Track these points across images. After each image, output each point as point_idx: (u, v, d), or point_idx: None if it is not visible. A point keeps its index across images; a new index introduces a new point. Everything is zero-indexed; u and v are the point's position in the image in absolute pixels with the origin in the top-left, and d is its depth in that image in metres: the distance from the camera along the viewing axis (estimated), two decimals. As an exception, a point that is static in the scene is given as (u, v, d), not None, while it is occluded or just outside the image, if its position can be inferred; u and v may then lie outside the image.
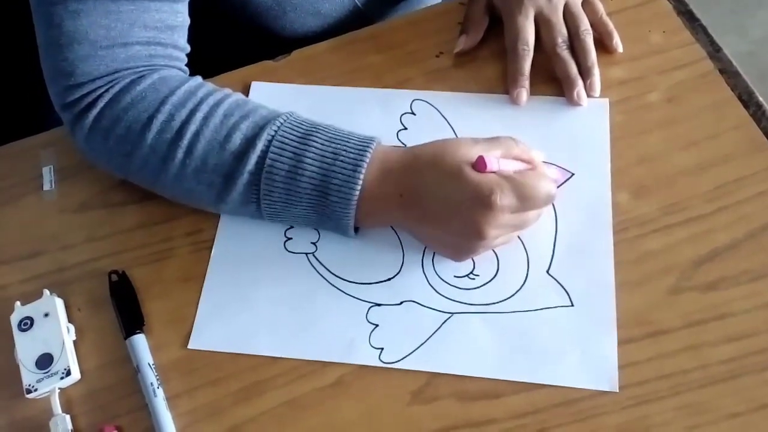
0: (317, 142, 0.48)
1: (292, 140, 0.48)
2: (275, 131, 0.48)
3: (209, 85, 0.52)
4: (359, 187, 0.47)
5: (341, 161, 0.47)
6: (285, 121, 0.49)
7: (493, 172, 0.45)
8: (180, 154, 0.49)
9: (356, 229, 0.50)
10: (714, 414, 0.43)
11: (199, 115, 0.49)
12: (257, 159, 0.48)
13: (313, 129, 0.49)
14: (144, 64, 0.51)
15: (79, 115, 0.51)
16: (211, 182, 0.49)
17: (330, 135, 0.48)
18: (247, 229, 0.52)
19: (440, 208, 0.46)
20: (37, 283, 0.52)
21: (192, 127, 0.49)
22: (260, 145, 0.48)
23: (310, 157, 0.47)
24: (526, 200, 0.45)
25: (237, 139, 0.48)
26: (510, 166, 0.46)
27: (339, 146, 0.47)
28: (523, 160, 0.47)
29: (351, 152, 0.47)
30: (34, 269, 0.53)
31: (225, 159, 0.48)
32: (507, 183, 0.44)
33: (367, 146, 0.47)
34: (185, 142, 0.48)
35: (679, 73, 0.55)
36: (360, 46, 0.60)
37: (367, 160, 0.47)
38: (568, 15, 0.56)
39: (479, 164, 0.44)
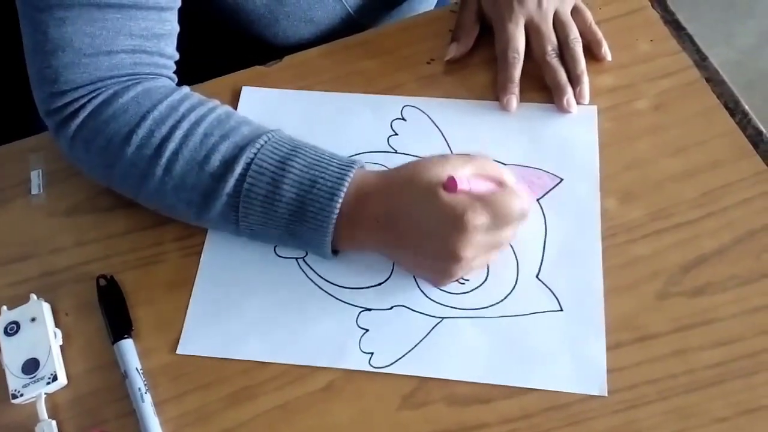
0: (296, 167, 0.47)
1: (270, 164, 0.47)
2: (254, 154, 0.48)
3: (193, 99, 0.52)
4: (335, 216, 0.46)
5: (318, 189, 0.46)
6: (265, 143, 0.48)
7: (465, 192, 0.44)
8: (159, 171, 0.48)
9: (336, 251, 0.50)
10: (702, 418, 0.43)
11: (179, 133, 0.49)
12: (235, 182, 0.47)
13: (293, 152, 0.48)
14: (128, 72, 0.50)
15: (63, 123, 0.50)
16: (190, 200, 0.49)
17: (309, 160, 0.48)
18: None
19: (415, 230, 0.45)
20: (24, 288, 0.52)
21: (171, 146, 0.48)
22: (239, 169, 0.47)
23: (287, 183, 0.47)
24: (499, 218, 0.44)
25: (216, 160, 0.48)
26: (481, 186, 0.45)
27: (318, 173, 0.47)
28: (494, 180, 0.46)
29: (329, 180, 0.47)
30: (22, 273, 0.53)
31: (204, 180, 0.48)
32: (479, 202, 0.44)
33: (346, 173, 0.47)
34: (164, 160, 0.48)
35: (666, 81, 0.56)
36: (351, 52, 0.61)
37: (345, 189, 0.46)
38: (558, 23, 0.56)
39: (449, 184, 0.44)
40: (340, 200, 0.46)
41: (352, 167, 0.47)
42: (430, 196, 0.44)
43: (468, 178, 0.45)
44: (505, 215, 0.44)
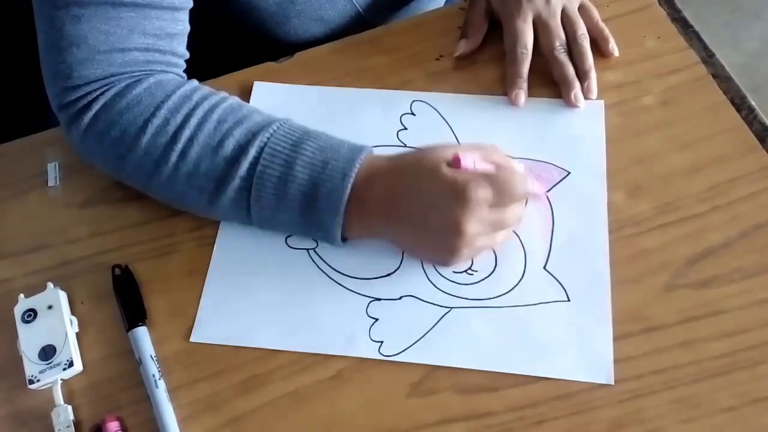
0: (308, 150, 0.48)
1: (284, 148, 0.48)
2: (268, 138, 0.49)
3: (204, 89, 0.53)
4: (347, 196, 0.47)
5: (331, 170, 0.47)
6: (278, 128, 0.49)
7: (469, 170, 0.45)
8: (174, 157, 0.49)
9: (344, 239, 0.50)
10: (707, 408, 0.44)
11: (194, 120, 0.50)
12: (249, 165, 0.48)
13: (305, 137, 0.49)
14: (140, 69, 0.51)
15: (75, 117, 0.51)
16: (202, 187, 0.49)
17: (321, 144, 0.49)
18: (250, 226, 0.53)
19: (418, 207, 0.46)
20: (41, 277, 0.52)
21: (187, 132, 0.49)
22: (252, 152, 0.48)
23: (300, 165, 0.48)
24: (501, 193, 0.45)
25: (230, 145, 0.49)
26: (487, 168, 0.47)
27: (329, 155, 0.48)
28: (502, 167, 0.47)
29: (341, 161, 0.48)
30: (39, 263, 0.54)
31: (217, 164, 0.49)
32: (482, 177, 0.45)
33: (357, 155, 0.48)
34: (179, 146, 0.49)
35: (673, 78, 0.57)
36: (362, 49, 0.61)
37: (356, 169, 0.47)
38: (566, 20, 0.57)
39: (455, 161, 0.45)
40: (352, 180, 0.47)
41: (362, 150, 0.49)
42: (435, 171, 0.46)
43: (474, 159, 0.46)
44: (508, 191, 0.45)
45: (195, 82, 0.54)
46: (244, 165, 0.48)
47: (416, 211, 0.47)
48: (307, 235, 0.51)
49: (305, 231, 0.51)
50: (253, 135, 0.49)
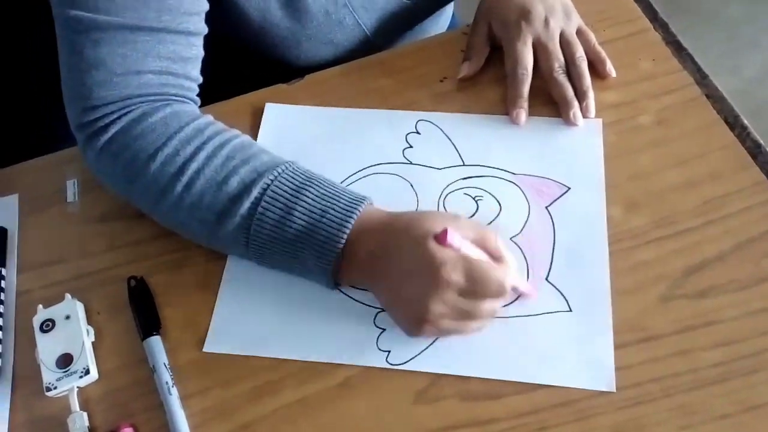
0: (309, 197, 0.49)
1: (285, 191, 0.49)
2: (272, 180, 0.50)
3: (218, 125, 0.54)
4: (341, 246, 0.48)
5: (328, 219, 0.48)
6: (283, 171, 0.50)
7: (453, 249, 0.44)
8: (179, 188, 0.51)
9: (337, 284, 0.51)
10: (704, 415, 0.45)
11: (203, 154, 0.51)
12: (250, 205, 0.49)
13: (308, 182, 0.50)
14: (156, 92, 0.53)
15: (92, 137, 0.53)
16: (203, 219, 0.51)
17: (322, 191, 0.49)
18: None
19: (397, 272, 0.47)
20: (60, 288, 0.54)
21: (194, 165, 0.51)
22: (255, 192, 0.49)
23: (299, 211, 0.49)
24: (475, 283, 0.44)
25: (234, 182, 0.50)
26: (474, 253, 0.46)
27: (329, 204, 0.49)
28: (493, 256, 0.47)
29: (339, 212, 0.48)
30: (57, 275, 0.56)
31: (220, 199, 0.50)
32: (460, 262, 0.44)
33: (356, 207, 0.48)
34: (185, 178, 0.50)
35: (668, 98, 0.59)
36: (369, 71, 0.64)
37: (353, 221, 0.48)
38: (564, 43, 0.60)
39: (441, 236, 0.44)
40: (348, 231, 0.48)
41: (362, 202, 0.49)
42: (420, 242, 0.45)
43: (462, 239, 0.45)
44: (481, 283, 0.45)
45: (210, 117, 0.55)
46: (246, 204, 0.49)
47: (394, 275, 0.47)
48: (300, 275, 0.52)
49: (298, 273, 0.52)
50: (258, 175, 0.50)
